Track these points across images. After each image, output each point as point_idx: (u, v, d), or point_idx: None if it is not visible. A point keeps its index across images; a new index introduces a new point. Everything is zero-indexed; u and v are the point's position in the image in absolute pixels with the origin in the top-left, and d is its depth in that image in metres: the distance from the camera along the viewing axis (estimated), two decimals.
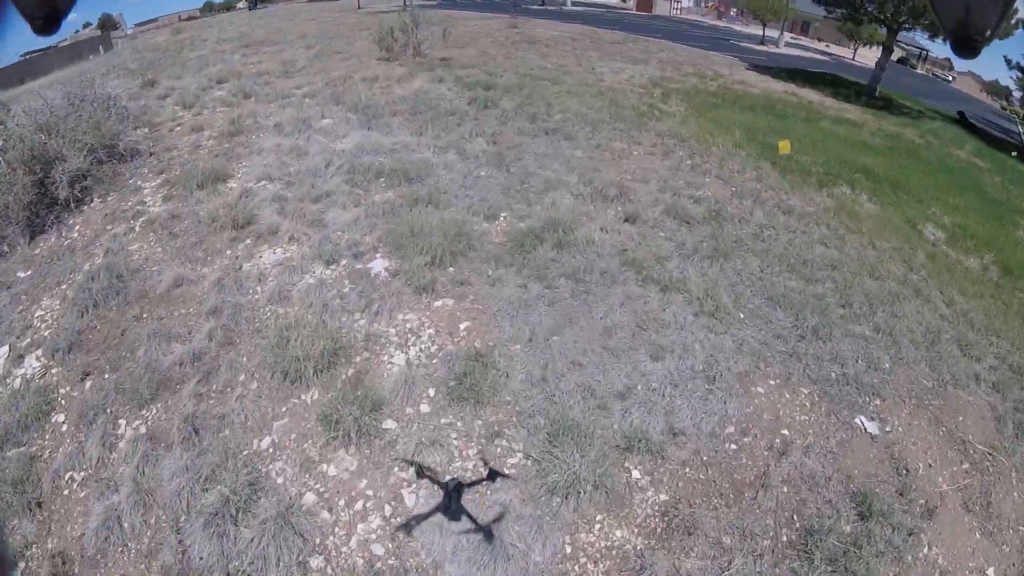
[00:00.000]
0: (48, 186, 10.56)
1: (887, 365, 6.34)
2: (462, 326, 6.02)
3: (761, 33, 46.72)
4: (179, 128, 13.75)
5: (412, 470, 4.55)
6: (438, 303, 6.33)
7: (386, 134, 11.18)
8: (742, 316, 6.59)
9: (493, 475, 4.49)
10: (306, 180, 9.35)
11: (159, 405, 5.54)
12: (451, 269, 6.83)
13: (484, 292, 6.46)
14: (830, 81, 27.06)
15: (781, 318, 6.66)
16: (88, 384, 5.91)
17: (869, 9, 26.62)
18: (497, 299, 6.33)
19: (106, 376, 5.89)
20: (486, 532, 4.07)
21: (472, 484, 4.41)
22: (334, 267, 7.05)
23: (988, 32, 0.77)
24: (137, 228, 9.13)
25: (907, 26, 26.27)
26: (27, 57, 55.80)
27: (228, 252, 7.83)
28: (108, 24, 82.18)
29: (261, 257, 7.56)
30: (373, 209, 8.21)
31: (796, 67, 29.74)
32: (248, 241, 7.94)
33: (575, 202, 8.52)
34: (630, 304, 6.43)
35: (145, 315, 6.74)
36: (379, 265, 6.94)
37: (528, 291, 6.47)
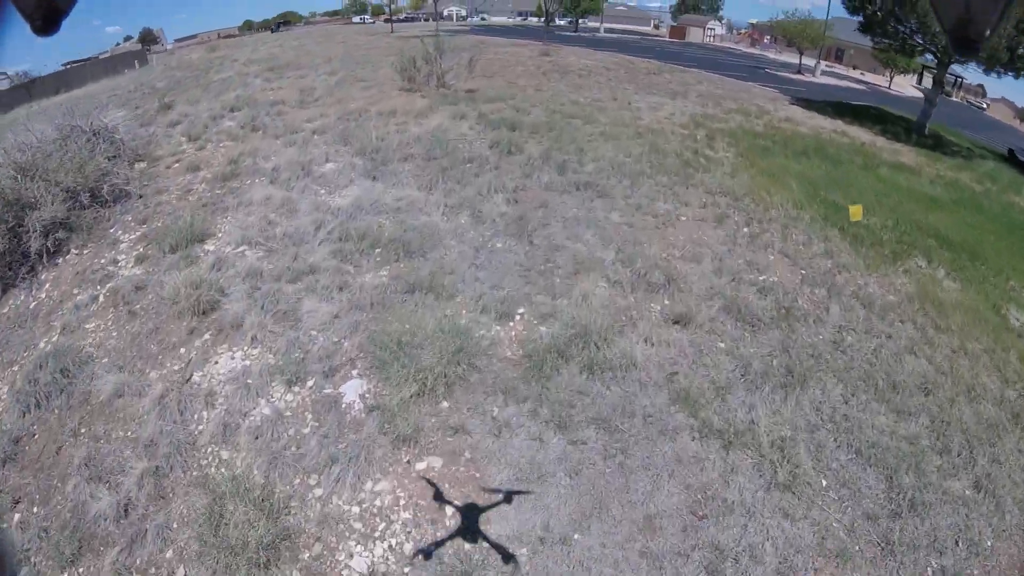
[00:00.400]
0: (22, 235, 9.14)
1: (989, 543, 4.37)
2: (449, 511, 4.12)
3: (797, 62, 44.20)
4: (177, 165, 12.19)
5: None
6: (422, 464, 4.48)
7: (392, 185, 9.42)
8: (824, 484, 4.63)
9: None
10: (289, 248, 7.60)
11: (80, 570, 4.32)
12: (445, 404, 4.97)
13: (485, 447, 4.59)
14: (876, 116, 24.74)
15: (872, 483, 4.71)
16: (16, 517, 4.92)
17: (920, 40, 24.26)
18: (502, 461, 4.46)
19: (35, 510, 4.95)
20: None
21: None
22: (297, 389, 5.26)
23: (988, 32, 0.73)
24: (101, 298, 7.74)
25: (959, 59, 23.86)
26: (68, 67, 55.76)
27: (182, 350, 6.15)
28: (148, 38, 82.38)
29: (216, 363, 5.84)
30: (360, 297, 6.41)
31: (837, 99, 27.42)
32: (207, 336, 6.24)
33: (611, 292, 6.60)
34: (682, 472, 4.51)
35: (83, 430, 5.59)
36: (353, 391, 5.12)
37: (545, 447, 4.57)
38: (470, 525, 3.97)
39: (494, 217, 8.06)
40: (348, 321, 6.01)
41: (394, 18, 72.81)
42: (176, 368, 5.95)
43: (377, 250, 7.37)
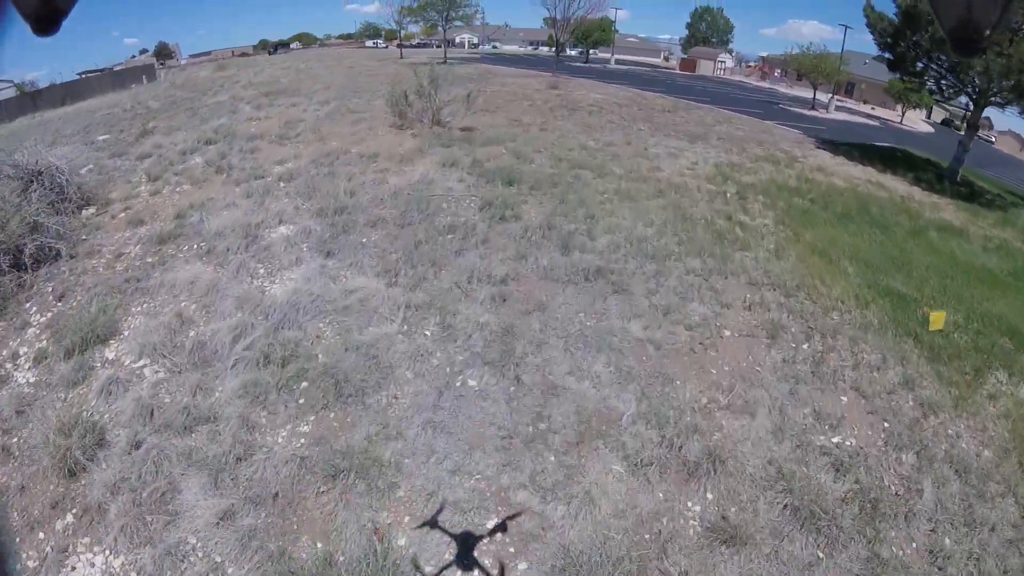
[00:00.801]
0: None
1: None
2: None
3: (810, 96, 41.94)
4: (124, 215, 10.07)
5: None
6: None
7: (348, 266, 7.19)
8: None
9: None
10: (194, 372, 5.32)
11: None
12: None
13: None
14: (904, 160, 22.49)
15: None
16: None
17: (953, 81, 21.94)
18: None
19: None
20: None
21: None
22: None
23: (988, 32, 0.73)
24: None
25: (998, 101, 21.55)
26: (83, 76, 54.11)
27: (41, 535, 3.90)
28: (164, 53, 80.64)
29: (73, 570, 3.56)
30: (260, 484, 4.09)
31: (859, 138, 25.14)
32: (70, 518, 4.04)
33: (630, 483, 4.26)
34: None
35: None
36: None
37: None
38: None
39: (470, 332, 5.76)
40: (240, 528, 3.70)
41: (406, 44, 71.02)
42: (33, 564, 3.72)
43: (303, 384, 5.08)
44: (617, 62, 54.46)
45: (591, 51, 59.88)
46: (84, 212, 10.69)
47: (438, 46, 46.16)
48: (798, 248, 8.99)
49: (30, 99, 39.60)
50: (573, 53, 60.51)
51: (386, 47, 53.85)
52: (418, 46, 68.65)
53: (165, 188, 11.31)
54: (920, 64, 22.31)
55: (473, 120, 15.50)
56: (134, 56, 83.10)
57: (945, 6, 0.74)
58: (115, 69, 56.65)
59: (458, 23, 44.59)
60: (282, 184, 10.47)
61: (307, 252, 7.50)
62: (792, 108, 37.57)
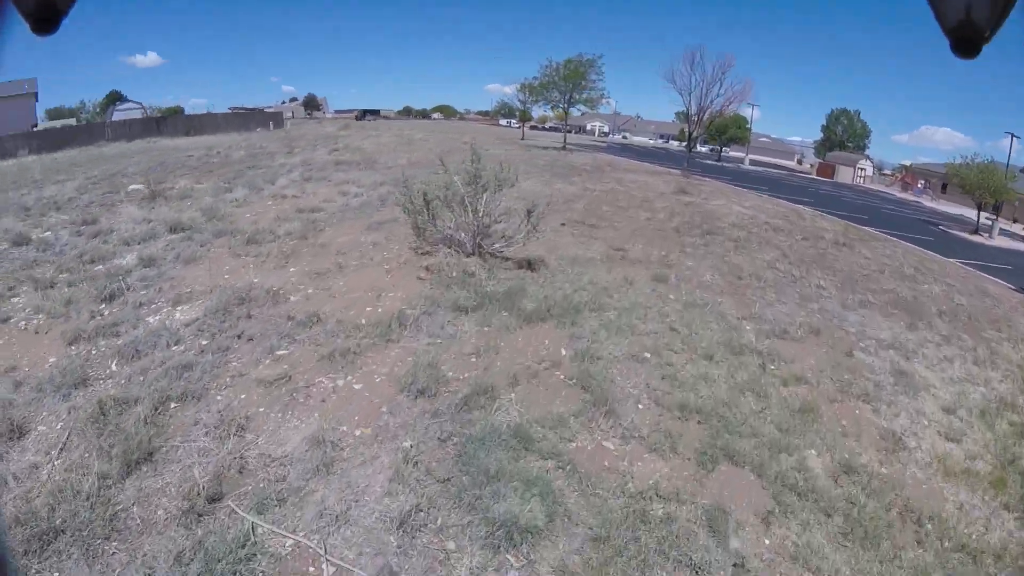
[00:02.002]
0: None
1: None
2: None
3: (975, 218, 31.55)
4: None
5: None
6: None
7: None
8: None
9: None
10: None
11: None
12: None
13: None
14: None
15: None
16: None
17: None
18: None
19: None
20: None
21: None
22: None
23: (988, 32, 0.67)
24: None
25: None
26: (232, 111, 53.90)
27: None
28: (311, 104, 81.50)
29: None
30: None
31: None
32: None
33: None
34: None
35: None
36: None
37: None
38: None
39: None
40: None
41: (538, 126, 66.41)
42: None
43: None
44: (751, 162, 46.41)
45: (724, 149, 52.22)
46: None
47: (569, 131, 40.42)
48: None
49: (155, 124, 37.91)
50: (704, 149, 53.07)
51: (519, 127, 49.15)
52: (549, 129, 63.90)
53: (59, 308, 5.64)
54: None
55: (550, 242, 9.05)
56: (284, 102, 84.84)
57: (945, 7, 0.67)
58: (264, 110, 56.17)
59: (582, 107, 38.51)
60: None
61: None
62: (954, 231, 28.13)
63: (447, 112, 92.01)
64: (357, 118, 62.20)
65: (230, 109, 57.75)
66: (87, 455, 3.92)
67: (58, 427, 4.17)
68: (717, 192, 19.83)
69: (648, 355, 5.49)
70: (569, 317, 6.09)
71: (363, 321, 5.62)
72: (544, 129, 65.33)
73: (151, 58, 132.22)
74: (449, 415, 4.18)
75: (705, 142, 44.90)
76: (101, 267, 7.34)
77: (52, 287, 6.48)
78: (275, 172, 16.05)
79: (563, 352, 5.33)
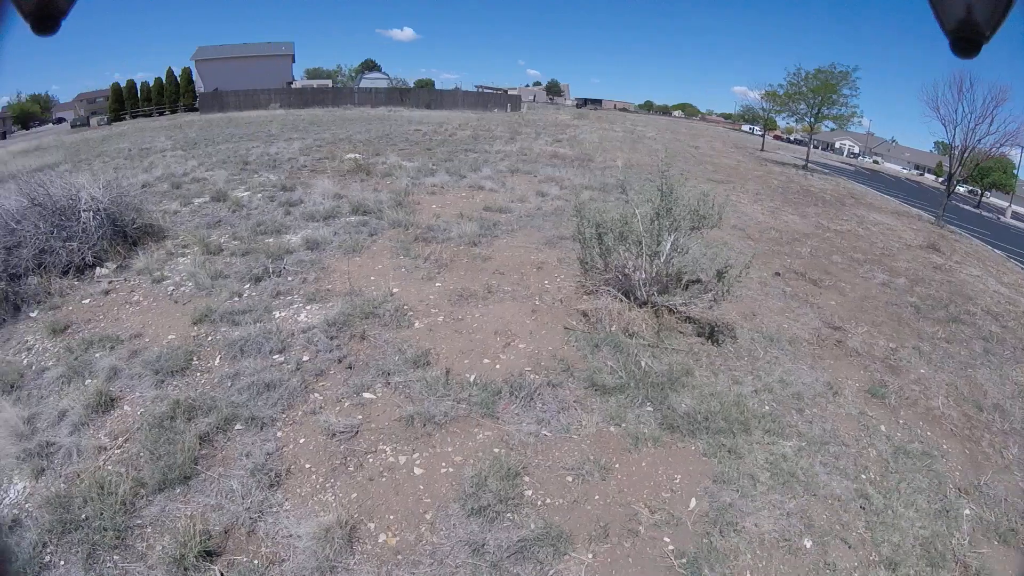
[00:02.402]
0: None
1: None
2: None
3: None
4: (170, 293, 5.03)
5: None
6: None
7: None
8: None
9: None
10: None
11: None
12: None
13: None
14: None
15: None
16: None
17: None
18: None
19: None
20: None
21: None
22: None
23: (989, 33, 0.70)
24: None
25: None
26: (479, 89, 57.92)
27: None
28: (553, 90, 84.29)
29: None
30: None
31: None
32: None
33: None
34: None
35: None
36: None
37: None
38: None
39: None
40: None
41: (782, 136, 60.25)
42: None
43: None
44: (1013, 215, 36.16)
45: (984, 194, 42.14)
46: (99, 270, 6.02)
47: (816, 147, 35.53)
48: None
49: (399, 95, 41.87)
50: (962, 190, 43.13)
51: (762, 135, 44.78)
52: (792, 141, 57.32)
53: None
54: None
55: (751, 301, 7.48)
56: (528, 85, 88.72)
57: (946, 7, 0.69)
58: (507, 92, 59.02)
59: (831, 124, 33.60)
60: None
61: None
62: None
63: (689, 111, 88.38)
64: (577, 106, 62.36)
65: (476, 87, 62.17)
66: (140, 456, 3.78)
67: (137, 414, 4.16)
68: (972, 255, 15.25)
69: (808, 542, 3.86)
70: (728, 439, 4.61)
71: (472, 377, 4.88)
72: (788, 140, 58.75)
73: (407, 33, 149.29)
74: (493, 560, 3.22)
75: (963, 182, 35.90)
76: (271, 240, 7.69)
77: (217, 253, 6.85)
78: (486, 158, 16.30)
79: (691, 504, 3.96)
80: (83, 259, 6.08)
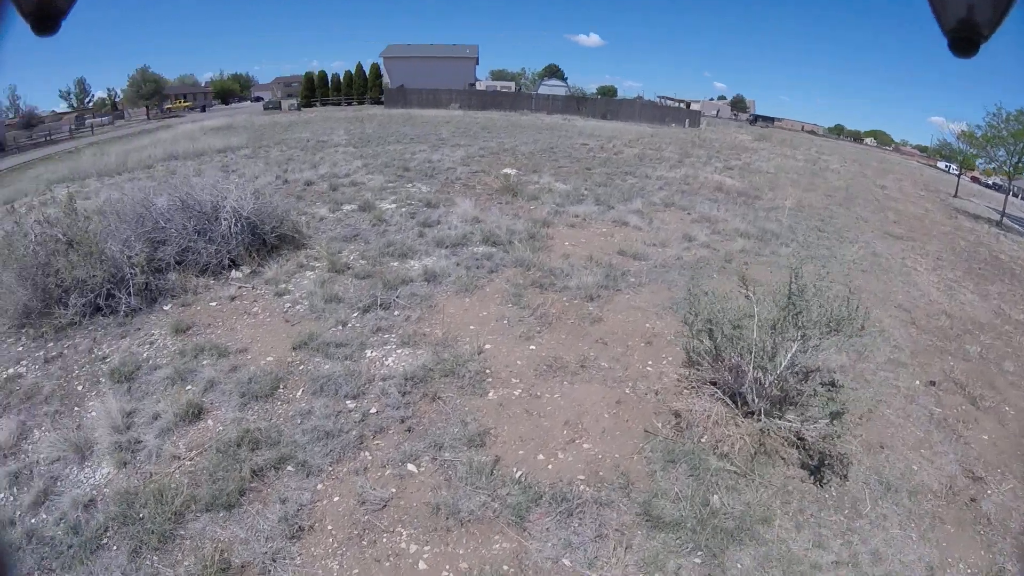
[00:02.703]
0: None
1: None
2: None
3: None
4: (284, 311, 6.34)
5: None
6: None
7: None
8: None
9: None
10: None
11: None
12: None
13: None
14: None
15: None
16: None
17: None
18: None
19: None
20: None
21: None
22: None
23: (988, 33, 0.70)
24: None
25: None
26: (660, 100, 57.22)
27: None
28: (738, 105, 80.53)
29: None
30: None
31: None
32: None
33: None
34: None
35: None
36: None
37: None
38: None
39: None
40: None
41: (980, 179, 51.28)
42: None
43: None
44: None
45: None
46: (234, 273, 7.16)
47: (1016, 194, 29.61)
48: None
49: (575, 103, 42.36)
50: None
51: (959, 175, 38.39)
52: (992, 187, 48.14)
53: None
54: None
55: (887, 422, 6.45)
56: (711, 99, 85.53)
57: (946, 6, 0.70)
58: (689, 105, 57.67)
59: None
60: None
61: None
62: None
63: (882, 139, 79.50)
64: (750, 123, 58.35)
65: (658, 97, 61.45)
66: (203, 473, 4.24)
67: (215, 431, 4.65)
68: None
69: None
70: None
71: (519, 474, 4.77)
72: (988, 186, 49.57)
73: (593, 39, 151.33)
74: None
75: None
76: (395, 264, 8.13)
77: (342, 272, 7.41)
78: (643, 186, 15.72)
79: None
80: (220, 261, 7.01)
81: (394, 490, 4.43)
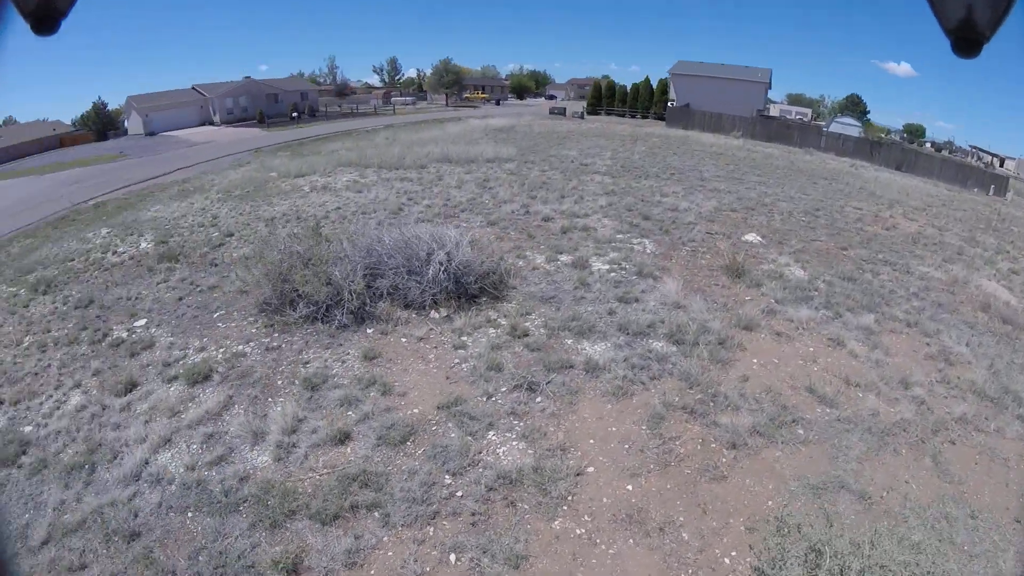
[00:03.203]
0: None
1: None
2: None
3: None
4: (450, 368, 8.63)
5: None
6: None
7: None
8: None
9: None
10: None
11: None
12: None
13: None
14: None
15: None
16: None
17: None
18: None
19: None
20: None
21: None
22: None
23: (989, 32, 0.71)
24: None
25: None
26: (972, 149, 46.91)
27: None
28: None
29: None
30: None
31: None
32: None
33: None
34: None
35: None
36: None
37: None
38: None
39: None
40: None
41: None
42: None
43: None
44: None
45: None
46: (435, 314, 9.09)
47: None
48: None
49: (868, 147, 36.47)
50: None
51: None
52: None
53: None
54: None
55: None
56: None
57: (946, 6, 0.69)
58: (1003, 162, 46.43)
59: None
60: None
61: None
62: None
63: None
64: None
65: (970, 146, 50.54)
66: (322, 490, 5.96)
67: (349, 458, 6.37)
68: None
69: None
70: None
71: None
72: None
73: (904, 68, 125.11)
74: None
75: None
76: (569, 342, 8.70)
77: (521, 337, 8.63)
78: (891, 290, 12.14)
79: None
80: (423, 301, 8.71)
81: (428, 569, 5.55)
